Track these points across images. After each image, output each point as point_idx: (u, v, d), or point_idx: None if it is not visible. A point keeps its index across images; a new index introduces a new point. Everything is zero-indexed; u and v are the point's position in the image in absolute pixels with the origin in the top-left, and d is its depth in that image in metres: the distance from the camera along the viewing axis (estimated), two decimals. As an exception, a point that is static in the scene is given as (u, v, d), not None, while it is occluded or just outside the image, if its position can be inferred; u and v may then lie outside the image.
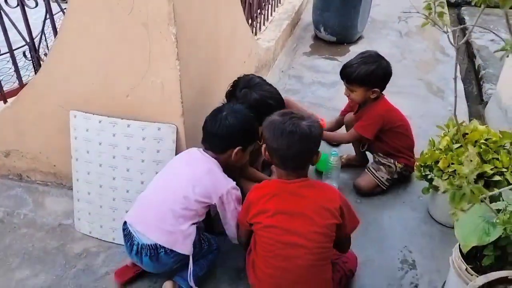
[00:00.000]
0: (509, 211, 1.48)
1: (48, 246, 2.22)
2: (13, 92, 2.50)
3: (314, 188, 1.74)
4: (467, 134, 2.16)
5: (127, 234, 1.87)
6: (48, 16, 2.22)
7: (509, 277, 1.47)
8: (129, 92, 2.05)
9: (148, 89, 2.01)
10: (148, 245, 1.81)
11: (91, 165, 2.20)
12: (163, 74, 1.95)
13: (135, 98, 2.06)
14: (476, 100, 3.66)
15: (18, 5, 2.17)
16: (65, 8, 2.05)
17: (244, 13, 3.09)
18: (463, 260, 1.67)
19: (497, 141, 2.11)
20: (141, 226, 1.84)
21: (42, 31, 2.45)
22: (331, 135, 2.61)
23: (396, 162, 2.50)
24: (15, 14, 2.24)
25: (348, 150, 2.80)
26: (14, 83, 2.86)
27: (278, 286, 1.74)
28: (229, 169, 1.98)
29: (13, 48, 2.33)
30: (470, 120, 2.38)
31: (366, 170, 2.57)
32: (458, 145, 2.13)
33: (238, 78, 2.28)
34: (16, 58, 2.38)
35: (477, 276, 1.54)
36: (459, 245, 1.67)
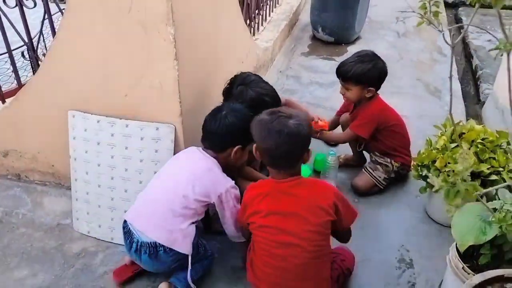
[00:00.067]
0: (505, 210, 1.49)
1: (46, 246, 2.22)
2: (12, 93, 2.50)
3: (306, 186, 1.72)
4: (464, 133, 2.17)
5: (127, 232, 1.88)
6: (46, 17, 2.23)
7: (505, 276, 1.48)
8: (127, 92, 2.06)
9: (146, 89, 2.01)
10: (148, 243, 1.82)
11: (89, 165, 2.20)
12: (161, 74, 1.96)
13: (133, 98, 2.07)
14: (473, 100, 3.67)
15: (16, 5, 2.17)
16: (63, 9, 2.06)
17: (242, 13, 3.10)
18: (460, 259, 1.68)
19: (493, 141, 2.12)
20: (141, 224, 1.85)
21: (41, 31, 2.45)
22: (328, 135, 2.63)
23: (392, 161, 2.51)
24: (13, 14, 2.24)
25: (345, 150, 2.81)
26: (12, 83, 2.86)
27: (276, 285, 1.75)
28: (228, 169, 1.98)
29: (12, 48, 2.34)
30: (467, 120, 2.40)
31: (363, 170, 2.58)
32: (455, 144, 2.14)
33: (235, 75, 2.28)
34: (15, 58, 2.38)
35: (474, 275, 1.55)
36: (456, 244, 1.68)
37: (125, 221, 1.91)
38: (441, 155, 2.11)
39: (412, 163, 2.43)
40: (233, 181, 1.92)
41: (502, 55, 0.88)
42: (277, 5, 4.60)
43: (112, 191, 2.18)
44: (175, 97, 2.00)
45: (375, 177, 2.52)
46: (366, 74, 2.36)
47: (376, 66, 2.39)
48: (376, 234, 2.31)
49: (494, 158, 2.08)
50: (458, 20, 5.20)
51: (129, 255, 1.93)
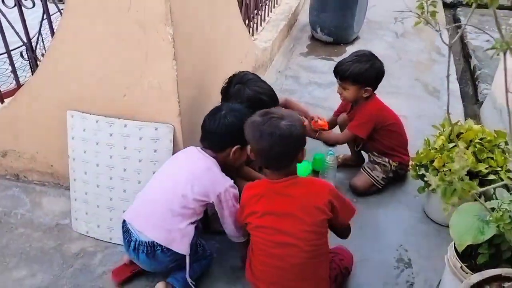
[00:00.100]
0: (503, 209, 1.50)
1: (45, 246, 2.22)
2: (11, 93, 2.50)
3: (301, 186, 1.72)
4: (462, 133, 2.18)
5: (126, 231, 1.89)
6: (45, 17, 2.23)
7: (503, 275, 1.49)
8: (126, 92, 2.06)
9: (145, 89, 2.01)
10: (146, 242, 1.82)
11: (88, 165, 2.20)
12: (160, 74, 1.96)
13: (132, 98, 2.07)
14: (472, 100, 3.68)
15: (15, 5, 2.17)
16: (62, 9, 2.06)
17: (241, 13, 3.10)
18: (458, 259, 1.69)
19: (491, 141, 2.13)
20: (139, 223, 1.85)
21: (39, 31, 2.46)
22: (326, 135, 2.63)
23: (390, 161, 2.52)
24: (12, 14, 2.24)
25: (344, 150, 2.81)
26: (11, 83, 2.87)
27: (275, 284, 1.75)
28: (227, 168, 1.99)
29: (11, 48, 2.34)
30: (465, 120, 2.41)
31: (361, 169, 2.59)
32: (453, 144, 2.14)
33: (233, 74, 2.29)
34: (13, 59, 2.38)
35: (472, 274, 1.56)
36: (454, 244, 1.69)
37: (124, 220, 1.91)
38: (439, 155, 2.12)
39: (410, 163, 2.44)
40: (232, 181, 1.92)
41: (498, 54, 0.89)
42: (276, 5, 4.61)
43: (110, 191, 2.19)
44: (173, 97, 2.00)
45: (373, 177, 2.52)
46: (363, 74, 2.37)
47: (374, 66, 2.39)
48: (375, 234, 2.31)
49: (492, 158, 2.08)
50: (456, 20, 5.20)
51: (128, 254, 1.94)
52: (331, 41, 4.42)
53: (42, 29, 2.48)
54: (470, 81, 4.00)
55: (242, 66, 2.90)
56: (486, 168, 2.05)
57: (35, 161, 2.45)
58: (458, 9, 5.41)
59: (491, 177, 2.03)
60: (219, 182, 1.88)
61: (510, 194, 1.66)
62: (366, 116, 2.46)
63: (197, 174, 1.87)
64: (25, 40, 2.31)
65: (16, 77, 2.43)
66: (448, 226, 1.67)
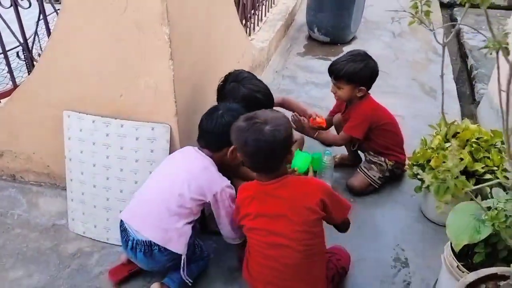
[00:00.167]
0: (499, 208, 1.50)
1: (42, 247, 2.22)
2: (7, 93, 2.50)
3: (291, 187, 1.71)
4: (458, 133, 2.18)
5: (123, 230, 1.89)
6: (41, 17, 2.22)
7: (498, 273, 1.49)
8: (122, 92, 2.06)
9: (141, 89, 2.01)
10: (143, 241, 1.82)
11: (84, 165, 2.20)
12: (157, 74, 1.96)
13: (128, 98, 2.07)
14: (469, 100, 3.69)
15: (11, 5, 2.17)
16: (58, 9, 2.05)
17: (238, 13, 3.10)
18: (454, 258, 1.69)
19: (488, 140, 2.13)
20: (136, 223, 1.85)
21: (36, 31, 2.45)
22: (324, 137, 2.63)
23: (386, 160, 2.53)
24: (8, 15, 2.24)
25: (341, 150, 2.82)
26: (7, 84, 2.86)
27: (271, 285, 1.76)
28: (224, 168, 1.99)
29: (7, 49, 2.33)
30: (462, 120, 2.42)
31: (358, 169, 2.59)
32: (450, 144, 2.15)
33: (228, 73, 2.29)
34: (10, 59, 2.38)
35: (468, 273, 1.56)
36: (451, 243, 1.69)
37: (121, 220, 1.91)
38: (436, 155, 2.12)
39: (407, 162, 2.44)
40: (229, 181, 1.92)
41: (491, 53, 0.89)
42: (273, 5, 4.61)
43: (107, 191, 2.18)
44: (170, 97, 2.00)
45: (370, 176, 2.53)
46: (358, 73, 2.38)
47: (368, 65, 2.40)
48: (372, 234, 2.31)
49: (488, 157, 2.09)
50: (453, 20, 5.21)
51: (126, 253, 1.94)
52: (328, 41, 4.43)
53: (38, 29, 2.47)
54: (467, 81, 4.01)
55: (239, 66, 2.90)
56: (482, 168, 2.05)
57: (32, 161, 2.45)
58: (455, 9, 5.42)
59: (488, 176, 2.03)
60: (216, 182, 1.88)
61: (506, 193, 1.67)
62: (361, 116, 2.46)
63: (194, 174, 1.87)
64: (21, 40, 2.31)
65: (13, 78, 2.42)
66: (444, 226, 1.68)
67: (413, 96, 3.59)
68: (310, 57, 4.25)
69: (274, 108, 2.40)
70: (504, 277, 1.49)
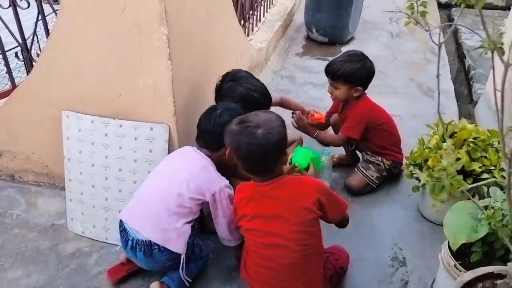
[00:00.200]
0: (495, 207, 1.51)
1: (40, 246, 2.22)
2: (6, 94, 2.50)
3: (287, 187, 1.71)
4: (456, 132, 2.19)
5: (123, 230, 1.89)
6: (40, 17, 2.23)
7: (495, 272, 1.50)
8: (121, 92, 2.06)
9: (140, 89, 2.02)
10: (142, 241, 1.83)
11: (83, 165, 2.20)
12: (155, 74, 1.97)
13: (127, 98, 2.07)
14: (466, 100, 3.70)
15: (10, 6, 2.17)
16: (57, 10, 2.06)
17: (237, 14, 3.11)
18: (452, 257, 1.70)
19: (485, 140, 2.15)
20: (135, 223, 1.86)
21: (34, 32, 2.46)
22: (323, 137, 2.63)
23: (384, 160, 2.54)
24: (7, 15, 2.24)
25: (339, 150, 2.83)
26: (6, 84, 2.86)
27: (268, 284, 1.76)
28: (222, 168, 1.99)
29: (6, 49, 2.34)
30: (459, 119, 2.43)
31: (356, 169, 2.60)
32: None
33: (226, 72, 2.29)
34: (9, 59, 2.38)
35: (466, 272, 1.57)
36: (448, 242, 1.70)
37: (120, 220, 1.92)
38: (433, 154, 2.13)
39: (404, 162, 2.45)
40: (228, 181, 1.93)
41: (486, 53, 0.90)
42: (271, 5, 4.62)
43: (106, 191, 2.19)
44: (169, 97, 2.00)
45: (367, 176, 2.54)
46: (354, 73, 2.39)
47: (365, 66, 2.42)
48: (370, 233, 2.32)
49: (485, 157, 2.10)
50: (451, 20, 5.23)
51: (125, 253, 1.94)
52: (326, 42, 4.44)
53: (37, 29, 2.47)
54: (464, 81, 4.02)
55: (237, 66, 2.90)
56: (479, 167, 2.06)
57: (31, 161, 2.45)
58: (453, 9, 5.43)
59: (485, 176, 2.05)
60: (215, 181, 1.89)
61: (504, 192, 1.68)
62: (358, 116, 2.48)
63: (192, 173, 1.88)
64: (20, 41, 2.31)
65: (11, 78, 2.43)
66: (442, 225, 1.68)
67: (411, 96, 3.60)
68: (308, 58, 4.26)
69: (273, 107, 2.41)
70: (500, 276, 1.49)
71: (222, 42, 2.65)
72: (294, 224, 1.67)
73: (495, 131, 2.17)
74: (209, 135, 1.95)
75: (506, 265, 1.42)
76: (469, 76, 3.93)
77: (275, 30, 4.14)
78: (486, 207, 1.57)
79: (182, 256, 1.86)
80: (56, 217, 2.37)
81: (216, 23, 2.50)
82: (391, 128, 2.57)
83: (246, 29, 3.72)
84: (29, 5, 2.18)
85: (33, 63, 2.36)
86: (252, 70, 3.36)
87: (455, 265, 1.68)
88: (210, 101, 2.26)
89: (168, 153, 2.09)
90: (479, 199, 1.74)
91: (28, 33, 2.37)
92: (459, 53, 4.50)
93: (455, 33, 4.79)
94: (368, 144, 2.56)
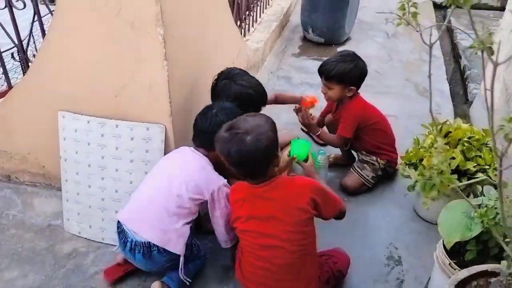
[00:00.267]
0: (489, 206, 1.52)
1: (37, 247, 2.22)
2: (2, 95, 2.49)
3: (282, 188, 1.72)
4: (450, 132, 2.20)
5: (121, 232, 1.89)
6: (36, 18, 2.23)
7: (489, 270, 1.51)
8: (117, 93, 2.07)
9: (136, 89, 2.02)
10: (142, 242, 1.83)
11: (80, 165, 2.21)
12: (151, 74, 1.97)
13: (123, 99, 2.08)
14: (462, 100, 3.72)
15: (6, 6, 2.17)
16: (53, 10, 2.06)
17: (233, 14, 3.12)
18: (446, 255, 1.71)
19: (480, 139, 2.16)
20: (134, 224, 1.86)
21: (30, 32, 2.45)
22: (324, 136, 2.64)
23: (378, 159, 2.55)
24: (3, 16, 2.24)
25: (335, 150, 2.84)
26: (2, 85, 2.86)
27: (263, 285, 1.77)
28: (219, 167, 2.00)
29: (2, 50, 2.34)
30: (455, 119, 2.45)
31: (351, 169, 2.62)
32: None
33: (221, 71, 2.29)
34: (5, 60, 2.38)
35: (460, 270, 1.58)
36: (443, 241, 1.71)
37: (118, 221, 1.91)
38: (428, 154, 2.14)
39: (400, 161, 2.46)
40: (226, 180, 1.93)
41: (476, 53, 0.91)
42: (267, 6, 4.62)
43: (102, 191, 2.19)
44: (165, 97, 2.01)
45: (363, 176, 2.55)
46: (348, 73, 2.41)
47: (358, 65, 2.44)
48: (366, 232, 2.33)
49: (480, 156, 2.11)
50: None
51: (124, 254, 1.94)
52: (322, 42, 4.45)
53: (33, 30, 2.47)
54: (460, 81, 4.04)
55: (233, 66, 2.91)
56: (474, 167, 2.07)
57: (27, 162, 2.45)
58: (448, 10, 5.45)
59: (479, 175, 2.06)
60: (213, 181, 1.89)
61: (497, 191, 1.69)
62: (351, 117, 2.50)
63: (191, 174, 1.89)
64: (16, 41, 2.31)
65: (8, 79, 2.43)
66: (437, 224, 1.69)
67: (406, 96, 3.62)
68: (304, 58, 4.27)
69: (268, 106, 2.42)
70: (494, 274, 1.51)
71: (218, 42, 2.66)
72: (288, 224, 1.68)
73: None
74: (205, 135, 1.95)
75: (500, 263, 1.43)
76: (465, 76, 3.94)
77: (271, 31, 4.15)
78: (479, 206, 1.58)
79: (181, 257, 1.86)
80: (53, 217, 2.37)
81: (212, 24, 2.50)
82: (385, 127, 2.58)
83: (243, 30, 3.72)
84: (25, 5, 2.18)
85: (29, 63, 2.36)
86: (248, 70, 3.35)
87: (450, 264, 1.69)
88: (206, 101, 2.26)
89: (165, 153, 2.09)
90: (474, 198, 1.76)
91: (24, 34, 2.37)
92: (454, 54, 4.52)
93: (451, 33, 4.81)
94: (363, 144, 2.58)
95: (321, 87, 2.55)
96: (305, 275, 1.76)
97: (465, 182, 1.43)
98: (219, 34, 2.68)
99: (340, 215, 1.89)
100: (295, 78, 3.88)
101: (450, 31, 4.83)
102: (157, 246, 1.82)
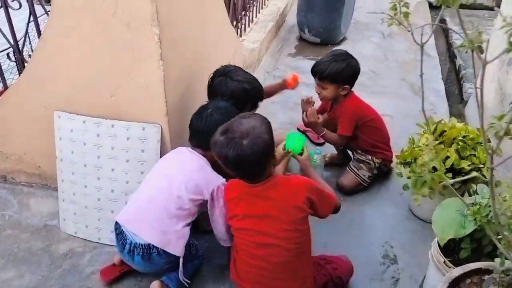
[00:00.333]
0: (483, 204, 1.54)
1: (33, 247, 2.22)
2: (-3, 95, 2.50)
3: (278, 187, 1.73)
4: (445, 131, 2.22)
5: (119, 233, 1.88)
6: (32, 18, 2.23)
7: (483, 268, 1.52)
8: (113, 93, 2.07)
9: (132, 89, 2.03)
10: (141, 244, 1.82)
11: (75, 165, 2.21)
12: (147, 74, 1.97)
13: (119, 98, 2.08)
14: (457, 100, 3.74)
15: (1, 6, 2.17)
16: (49, 11, 2.06)
17: (229, 14, 3.12)
18: (441, 254, 1.72)
19: (474, 138, 2.17)
20: (134, 226, 1.85)
21: (26, 33, 2.45)
22: (328, 136, 2.64)
23: (374, 158, 2.57)
24: (-2, 16, 2.24)
25: (331, 149, 2.85)
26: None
27: (258, 284, 1.78)
28: (217, 167, 2.00)
29: (-3, 50, 2.34)
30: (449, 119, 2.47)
31: (347, 168, 2.63)
32: (437, 142, 2.18)
33: (216, 69, 2.30)
34: (0, 61, 2.38)
35: (454, 268, 1.59)
36: (437, 239, 1.72)
37: (116, 222, 1.91)
38: (423, 153, 2.15)
39: (395, 160, 2.47)
40: (224, 179, 1.94)
41: (466, 52, 0.92)
42: (263, 6, 4.63)
43: (98, 191, 2.19)
44: (161, 97, 2.01)
45: (359, 176, 2.56)
46: (341, 72, 2.43)
47: (350, 64, 2.46)
48: (361, 231, 2.34)
49: (474, 155, 2.12)
50: (441, 21, 5.27)
51: (122, 256, 1.94)
52: (318, 42, 4.46)
53: (29, 30, 2.47)
54: (455, 81, 4.06)
55: (229, 66, 2.92)
56: (468, 165, 2.09)
57: (23, 162, 2.45)
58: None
59: (474, 174, 2.07)
60: (212, 180, 1.89)
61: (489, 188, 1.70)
62: (348, 115, 2.51)
63: (190, 174, 1.89)
64: (12, 42, 2.31)
65: (3, 79, 2.42)
66: (431, 222, 1.71)
67: (402, 96, 3.63)
68: (301, 58, 4.28)
69: (263, 104, 2.42)
70: (488, 271, 1.52)
71: (214, 42, 2.66)
72: (284, 222, 1.69)
73: (484, 129, 2.20)
74: (201, 134, 1.95)
75: (493, 261, 1.44)
76: (460, 76, 3.96)
77: (267, 31, 4.15)
78: (473, 204, 1.59)
79: (181, 260, 1.86)
80: (49, 217, 2.37)
81: (208, 24, 2.51)
82: (380, 125, 2.60)
83: (239, 30, 3.73)
84: (20, 6, 2.18)
85: (25, 64, 2.36)
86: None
87: (444, 262, 1.70)
88: (202, 100, 2.26)
89: (161, 152, 2.09)
90: (469, 196, 1.77)
91: (20, 34, 2.37)
92: (450, 53, 4.54)
93: (446, 33, 4.83)
94: (358, 143, 2.59)
95: (315, 87, 2.56)
96: (301, 275, 1.76)
97: (455, 179, 1.43)
98: (215, 34, 2.69)
99: (334, 211, 1.90)
100: (291, 78, 3.88)
101: (445, 31, 4.85)
102: (157, 248, 1.82)
